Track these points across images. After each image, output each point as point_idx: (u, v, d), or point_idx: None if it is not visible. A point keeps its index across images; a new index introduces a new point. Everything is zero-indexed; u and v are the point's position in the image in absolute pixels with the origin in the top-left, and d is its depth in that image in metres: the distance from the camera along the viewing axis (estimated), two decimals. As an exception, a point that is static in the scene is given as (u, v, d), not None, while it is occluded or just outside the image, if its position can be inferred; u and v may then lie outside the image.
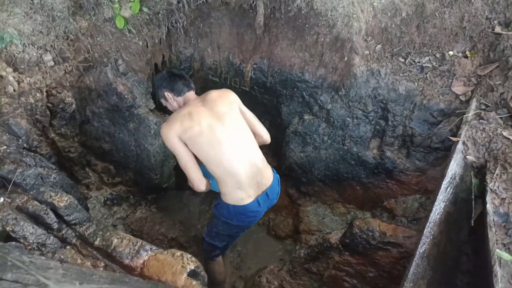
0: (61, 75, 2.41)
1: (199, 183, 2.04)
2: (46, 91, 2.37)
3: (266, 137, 2.30)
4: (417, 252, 1.53)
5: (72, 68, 2.47)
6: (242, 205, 2.05)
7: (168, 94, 2.19)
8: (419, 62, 2.49)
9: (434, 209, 1.69)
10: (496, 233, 1.63)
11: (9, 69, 2.12)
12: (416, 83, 2.45)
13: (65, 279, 1.42)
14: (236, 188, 2.03)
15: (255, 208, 2.09)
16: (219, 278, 2.62)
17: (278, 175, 2.28)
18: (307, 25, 2.52)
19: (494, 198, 1.75)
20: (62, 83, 2.46)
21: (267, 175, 2.13)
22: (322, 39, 2.52)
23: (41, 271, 1.44)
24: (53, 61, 2.30)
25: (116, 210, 2.94)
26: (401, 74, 2.48)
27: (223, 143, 1.99)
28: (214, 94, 2.14)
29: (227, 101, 2.10)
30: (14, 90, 2.13)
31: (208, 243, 2.36)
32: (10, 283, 1.40)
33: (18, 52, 2.13)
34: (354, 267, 2.24)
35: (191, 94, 2.21)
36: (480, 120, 2.15)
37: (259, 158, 2.11)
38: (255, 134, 2.20)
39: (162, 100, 2.28)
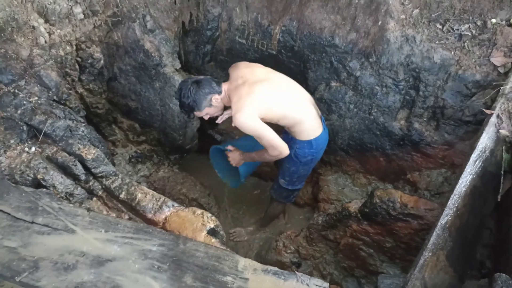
0: (90, 29, 2.42)
1: (286, 147, 2.16)
2: (76, 45, 2.39)
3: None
4: (439, 223, 1.51)
5: (101, 23, 2.47)
6: (320, 134, 2.35)
7: (215, 97, 2.17)
8: (457, 29, 2.35)
9: (460, 181, 1.65)
10: (524, 209, 1.58)
11: (41, 20, 2.14)
12: (452, 52, 2.33)
13: (91, 226, 1.48)
14: (313, 119, 2.32)
15: (326, 134, 2.46)
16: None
17: None
18: (341, -15, 2.40)
19: (526, 174, 1.69)
20: (91, 37, 2.48)
21: (318, 110, 2.47)
22: (356, 0, 2.40)
23: (69, 217, 1.52)
24: (83, 14, 2.30)
25: (140, 168, 3.02)
26: (437, 42, 2.35)
27: (288, 94, 2.27)
28: (240, 68, 2.27)
29: (256, 66, 2.33)
30: (45, 42, 2.16)
31: (290, 190, 2.64)
32: (41, 226, 1.48)
33: (49, 3, 2.13)
34: (371, 237, 2.25)
35: (223, 84, 2.24)
36: (519, 94, 2.04)
37: (308, 93, 2.45)
38: None
39: (206, 109, 2.20)
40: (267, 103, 2.14)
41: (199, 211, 2.00)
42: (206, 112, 2.22)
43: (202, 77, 2.22)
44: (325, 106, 2.79)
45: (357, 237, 2.31)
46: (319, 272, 2.57)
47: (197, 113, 2.22)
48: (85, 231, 1.47)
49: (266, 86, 2.17)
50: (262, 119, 2.12)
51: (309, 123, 2.30)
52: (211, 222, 1.96)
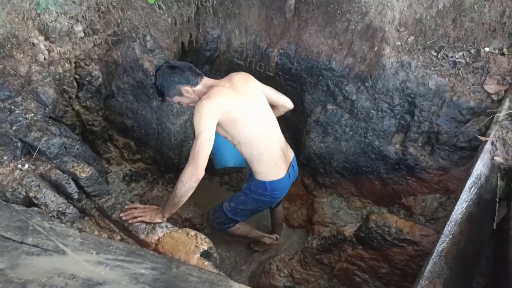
0: (90, 47, 2.43)
1: (201, 174, 1.84)
2: (75, 62, 2.40)
3: (290, 104, 2.38)
4: (435, 250, 1.49)
5: (101, 41, 2.49)
6: (277, 180, 2.16)
7: (185, 89, 2.02)
8: (452, 57, 2.40)
9: (456, 208, 1.65)
10: (520, 238, 1.58)
11: (41, 37, 2.14)
12: (447, 79, 2.37)
13: (82, 248, 1.45)
14: (272, 164, 2.13)
15: (287, 181, 2.23)
16: (244, 230, 2.68)
17: None
18: (338, 11, 2.45)
19: (521, 202, 1.69)
20: (90, 55, 2.49)
21: (290, 150, 2.30)
22: (353, 26, 2.45)
23: (60, 238, 1.48)
24: (83, 32, 2.32)
25: (134, 186, 2.98)
26: (432, 68, 2.39)
27: (259, 124, 2.08)
28: (238, 77, 2.13)
29: (253, 85, 2.15)
30: (45, 59, 2.17)
31: (228, 218, 2.42)
32: (30, 247, 1.44)
33: (50, 21, 2.15)
34: (366, 262, 2.22)
35: (206, 79, 2.10)
36: (512, 122, 2.07)
37: (282, 136, 2.26)
38: (280, 105, 2.33)
39: (176, 97, 2.09)
40: (233, 112, 1.96)
41: (192, 232, 1.97)
42: (177, 100, 2.12)
43: (180, 63, 2.08)
44: (321, 129, 2.80)
45: (352, 262, 2.28)
46: (313, 297, 2.52)
47: (168, 99, 2.12)
48: (76, 252, 1.44)
49: (246, 103, 2.04)
50: (221, 123, 1.97)
51: (267, 166, 2.12)
52: (204, 244, 1.93)
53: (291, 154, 2.28)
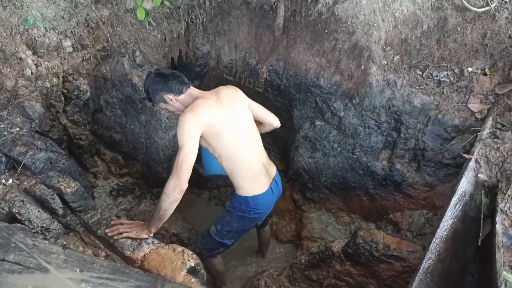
0: (78, 62, 2.43)
1: (185, 185, 1.85)
2: (63, 77, 2.39)
3: (277, 123, 2.38)
4: (421, 267, 1.50)
5: (90, 56, 2.49)
6: (260, 194, 2.13)
7: (168, 97, 2.03)
8: (436, 76, 2.46)
9: (441, 225, 1.66)
10: (504, 254, 1.60)
11: (29, 52, 2.14)
12: (432, 97, 2.42)
13: (66, 265, 1.42)
14: (253, 179, 2.11)
15: (270, 196, 2.20)
16: (220, 273, 2.66)
17: None
18: (326, 30, 2.51)
19: (504, 219, 1.72)
20: (79, 70, 2.49)
21: (272, 165, 2.28)
22: (340, 45, 2.50)
23: (43, 255, 1.45)
24: (72, 47, 2.32)
25: (121, 201, 2.94)
26: (417, 87, 2.45)
27: (243, 140, 2.07)
28: (226, 91, 2.13)
29: (240, 100, 2.14)
30: (32, 73, 2.16)
31: (216, 242, 2.35)
32: (12, 264, 1.41)
33: (39, 36, 2.15)
34: (354, 278, 2.22)
35: (193, 89, 2.09)
36: (495, 139, 2.11)
37: (264, 152, 2.25)
38: (266, 123, 2.34)
39: (161, 104, 2.12)
40: (216, 126, 1.96)
41: (179, 248, 1.95)
42: (163, 107, 2.15)
43: (169, 71, 2.10)
44: (309, 144, 2.83)
45: (340, 278, 2.28)
46: (301, 315, 2.50)
47: (155, 104, 2.14)
48: (59, 270, 1.41)
49: (230, 118, 2.03)
50: (204, 136, 1.96)
51: (248, 181, 2.10)
52: (191, 260, 1.91)
53: (273, 170, 2.26)
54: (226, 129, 1.99)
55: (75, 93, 2.51)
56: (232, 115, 2.05)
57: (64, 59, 2.33)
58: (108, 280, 1.39)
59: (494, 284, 1.46)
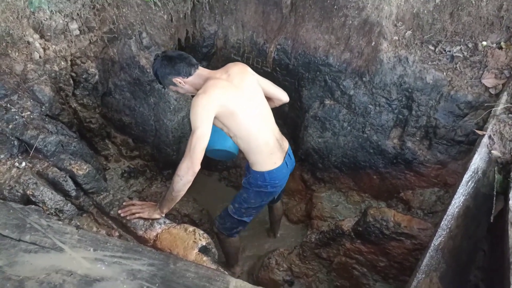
0: (85, 44, 2.43)
1: (197, 167, 1.85)
2: (71, 60, 2.39)
3: (286, 98, 2.37)
4: (432, 244, 1.50)
5: (97, 39, 2.48)
6: (275, 168, 2.15)
7: (176, 80, 2.03)
8: (449, 51, 2.39)
9: (453, 202, 1.65)
10: (517, 231, 1.58)
11: (36, 36, 2.14)
12: (444, 73, 2.36)
13: (80, 245, 1.46)
14: (269, 154, 2.13)
15: (285, 169, 2.22)
16: (236, 253, 2.72)
17: None
18: (335, 7, 2.44)
19: (518, 196, 1.69)
20: (86, 53, 2.48)
21: (285, 139, 2.29)
22: (350, 22, 2.44)
23: (58, 235, 1.49)
24: (79, 30, 2.31)
25: (133, 183, 2.98)
26: (429, 63, 2.39)
27: (255, 118, 2.06)
28: (235, 69, 2.10)
29: (250, 77, 2.13)
30: (40, 57, 2.16)
31: (235, 221, 2.39)
32: (28, 244, 1.45)
33: (45, 19, 2.14)
34: (365, 256, 2.23)
35: (202, 70, 2.07)
36: (510, 115, 2.06)
37: (276, 127, 2.26)
38: (275, 98, 2.32)
39: (171, 87, 2.12)
40: (230, 106, 1.96)
41: (191, 228, 1.98)
42: (173, 89, 2.13)
43: (176, 53, 2.07)
44: (319, 124, 2.80)
45: (351, 256, 2.29)
46: (312, 292, 2.54)
47: (166, 87, 2.16)
48: (74, 249, 1.44)
49: (243, 97, 2.03)
50: (218, 117, 1.96)
51: (264, 157, 2.13)
52: (203, 239, 1.93)
53: (286, 144, 2.28)
54: (240, 109, 1.99)
55: (83, 77, 2.51)
56: (244, 93, 2.04)
57: (72, 42, 2.33)
58: (122, 258, 1.42)
59: (506, 260, 1.45)
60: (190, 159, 1.84)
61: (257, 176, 2.18)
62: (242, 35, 2.93)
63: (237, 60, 3.03)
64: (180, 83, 2.04)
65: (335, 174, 2.95)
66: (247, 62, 2.98)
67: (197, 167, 1.85)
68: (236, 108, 1.98)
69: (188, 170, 1.84)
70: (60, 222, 1.55)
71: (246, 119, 2.03)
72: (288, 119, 3.15)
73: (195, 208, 3.09)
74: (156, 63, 2.05)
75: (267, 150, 2.12)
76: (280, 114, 3.19)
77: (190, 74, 2.02)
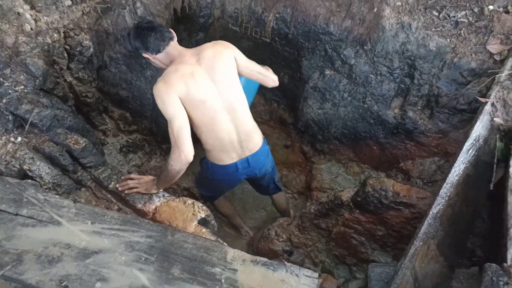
0: (78, 16, 2.35)
1: (191, 152, 1.76)
2: (64, 32, 2.32)
3: (273, 84, 2.19)
4: (431, 212, 1.49)
5: (90, 9, 2.40)
6: (220, 165, 2.05)
7: (145, 55, 1.92)
8: (454, 16, 2.31)
9: (453, 170, 1.63)
10: (516, 199, 1.57)
11: (26, 6, 2.07)
12: (448, 39, 2.29)
13: (77, 218, 1.46)
14: (219, 150, 2.01)
15: (232, 171, 2.07)
16: (231, 214, 2.78)
17: (268, 147, 2.24)
18: (335, -29, 2.35)
19: (519, 163, 1.67)
20: (79, 24, 2.41)
21: (254, 141, 2.08)
22: (351, -14, 2.35)
23: (55, 209, 1.49)
24: (71, 0, 2.23)
25: (132, 157, 2.98)
26: (433, 29, 2.31)
27: (218, 110, 1.90)
28: (208, 52, 1.91)
29: (225, 61, 1.92)
30: (31, 29, 2.10)
31: (198, 191, 2.43)
32: (26, 218, 1.45)
33: (34, -12, 2.07)
34: (363, 225, 2.24)
35: (173, 47, 1.92)
36: (514, 82, 2.01)
37: (249, 124, 2.05)
38: (262, 84, 2.18)
39: (146, 59, 2.02)
40: (189, 95, 1.81)
41: (190, 200, 1.98)
42: (149, 61, 2.02)
43: (146, 25, 1.93)
44: (319, 95, 2.76)
45: (349, 225, 2.31)
46: (311, 260, 2.57)
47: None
48: (71, 222, 1.45)
49: (207, 86, 1.85)
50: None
51: (213, 150, 2.02)
52: (202, 212, 1.94)
53: (253, 146, 2.06)
54: (202, 98, 1.84)
55: (77, 49, 2.45)
56: (211, 81, 1.87)
57: (64, 13, 2.25)
58: (119, 231, 1.43)
59: (504, 227, 1.45)
60: (178, 149, 1.76)
61: (205, 161, 2.12)
62: (240, 4, 2.84)
63: (235, 31, 2.95)
64: (149, 58, 1.94)
65: (335, 146, 2.92)
66: (245, 32, 2.91)
67: (190, 154, 1.76)
68: (198, 98, 1.83)
69: (180, 161, 1.77)
70: (57, 196, 1.55)
71: (206, 111, 1.87)
72: (287, 90, 3.10)
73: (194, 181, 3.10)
74: (130, 34, 1.96)
75: (218, 146, 1.99)
76: (279, 86, 3.11)
77: (159, 51, 1.90)
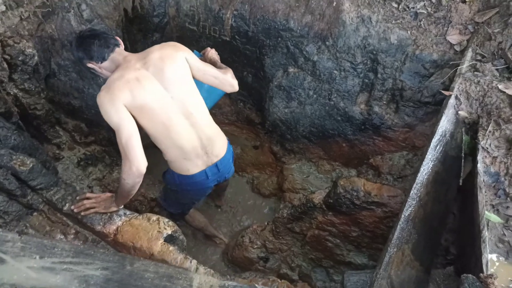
0: (16, 22, 2.14)
1: (143, 163, 1.63)
2: (1, 41, 2.11)
3: (231, 89, 1.98)
4: (402, 215, 1.45)
5: (29, 14, 2.19)
6: (188, 175, 1.93)
7: (90, 64, 1.80)
8: (413, 7, 2.28)
9: (421, 169, 1.60)
10: (486, 194, 1.55)
11: (-50, 17, 1.85)
12: (409, 32, 2.26)
13: (24, 253, 1.30)
14: (182, 158, 1.89)
15: (202, 179, 1.97)
16: (203, 226, 2.66)
17: (231, 146, 2.14)
18: (291, -35, 2.26)
19: (485, 156, 1.66)
20: (19, 31, 2.19)
21: (219, 145, 1.98)
22: (308, -19, 2.27)
23: (-3, 244, 1.33)
24: (4, 5, 2.02)
25: (92, 170, 2.79)
26: (393, 22, 2.27)
27: (173, 115, 1.78)
28: (156, 55, 1.78)
29: (175, 64, 1.79)
30: (-41, 41, 1.88)
31: (166, 209, 2.27)
32: (-36, 258, 1.28)
33: (-43, -4, 1.85)
34: (337, 227, 2.20)
35: (119, 53, 1.80)
36: (475, 72, 2.01)
37: (210, 128, 1.94)
38: (215, 86, 1.96)
39: (92, 70, 1.88)
40: (137, 103, 1.68)
41: (154, 217, 1.86)
42: (95, 72, 1.89)
43: (89, 33, 1.81)
44: (284, 94, 2.68)
45: (323, 228, 2.26)
46: (287, 265, 2.51)
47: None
48: (17, 259, 1.29)
49: (156, 92, 1.72)
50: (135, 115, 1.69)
51: (177, 159, 1.90)
52: (168, 228, 1.83)
53: (219, 151, 1.96)
54: (152, 104, 1.71)
55: (20, 59, 2.23)
56: (159, 88, 1.74)
57: (-2, 20, 2.04)
58: (72, 264, 1.29)
59: (476, 226, 1.43)
60: (128, 160, 1.63)
61: (170, 173, 1.98)
62: (196, 1, 2.70)
63: (193, 30, 2.81)
64: (94, 68, 1.81)
65: (304, 145, 2.86)
66: (203, 31, 2.77)
67: (142, 165, 1.64)
68: (146, 105, 1.70)
69: (132, 173, 1.64)
70: (-1, 230, 1.38)
71: (158, 118, 1.74)
72: (252, 89, 3.00)
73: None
74: (72, 45, 1.82)
75: (181, 155, 1.86)
76: (244, 85, 3.03)
77: (104, 59, 1.77)
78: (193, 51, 1.98)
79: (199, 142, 1.88)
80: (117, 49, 1.80)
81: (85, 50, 1.77)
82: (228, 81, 1.94)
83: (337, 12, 2.30)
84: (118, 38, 1.89)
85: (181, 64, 1.80)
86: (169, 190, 2.12)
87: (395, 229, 1.42)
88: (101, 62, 1.78)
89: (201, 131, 1.88)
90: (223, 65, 2.08)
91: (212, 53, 2.13)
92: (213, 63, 2.05)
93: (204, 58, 2.09)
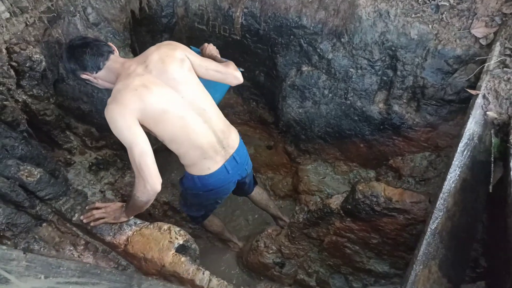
0: (21, 28, 2.09)
1: (158, 182, 1.58)
2: (6, 48, 2.07)
3: (236, 82, 1.93)
4: (428, 229, 1.34)
5: (34, 20, 2.15)
6: (208, 175, 1.86)
7: (84, 75, 1.73)
8: (434, 0, 2.14)
9: (448, 176, 1.48)
10: (519, 202, 1.43)
11: (-46, 25, 1.81)
12: (430, 26, 2.13)
13: (29, 273, 1.26)
14: (202, 158, 1.81)
15: (223, 176, 1.90)
16: (220, 232, 2.59)
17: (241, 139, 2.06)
18: (304, -41, 2.14)
19: (518, 161, 1.53)
20: (25, 38, 2.15)
21: (233, 137, 1.92)
22: (322, -25, 2.15)
23: (2, 263, 1.28)
24: (8, 12, 1.97)
25: (103, 175, 2.76)
26: (413, 15, 2.14)
27: (187, 115, 1.71)
28: (155, 56, 1.71)
29: (177, 62, 1.72)
30: (-36, 50, 1.85)
31: (187, 213, 2.21)
32: (-32, 277, 1.24)
33: (-41, 4, 1.81)
34: (356, 234, 2.09)
35: (114, 60, 1.72)
36: (504, 69, 1.86)
37: (222, 121, 1.88)
38: (220, 80, 1.91)
39: (89, 83, 1.82)
40: (149, 109, 1.61)
41: (165, 226, 1.81)
42: (91, 83, 1.82)
43: (79, 42, 1.73)
44: (298, 93, 2.58)
45: (341, 234, 2.16)
46: (304, 271, 2.43)
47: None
48: (21, 279, 1.25)
49: (165, 94, 1.66)
50: (141, 123, 1.61)
51: (196, 160, 1.83)
52: (179, 237, 1.77)
53: (233, 142, 1.91)
54: (162, 110, 1.64)
55: (27, 65, 2.19)
56: (168, 87, 1.67)
57: (3, 27, 1.99)
58: (78, 284, 1.23)
59: (509, 235, 1.31)
60: (142, 179, 1.56)
61: (189, 178, 1.92)
62: (205, 0, 2.61)
63: (202, 29, 2.73)
64: (90, 79, 1.72)
65: (320, 145, 2.76)
66: (213, 30, 2.69)
67: (156, 185, 1.58)
68: (160, 110, 1.63)
69: (144, 191, 1.58)
70: (4, 247, 1.34)
71: (173, 121, 1.68)
72: (265, 89, 2.91)
73: (175, 194, 2.90)
74: (63, 57, 1.74)
75: (200, 154, 1.80)
76: (256, 84, 2.94)
77: (99, 68, 1.69)
78: (189, 47, 1.91)
79: (215, 137, 1.83)
80: (111, 56, 1.72)
81: (78, 61, 1.68)
82: (231, 73, 1.88)
83: (353, 7, 2.18)
84: (111, 44, 1.81)
85: (182, 62, 1.73)
86: (189, 195, 2.04)
87: (420, 244, 1.31)
88: (96, 72, 1.70)
89: (215, 125, 1.83)
90: (223, 59, 2.01)
91: (210, 48, 2.06)
92: (212, 58, 1.98)
93: (202, 55, 2.02)
